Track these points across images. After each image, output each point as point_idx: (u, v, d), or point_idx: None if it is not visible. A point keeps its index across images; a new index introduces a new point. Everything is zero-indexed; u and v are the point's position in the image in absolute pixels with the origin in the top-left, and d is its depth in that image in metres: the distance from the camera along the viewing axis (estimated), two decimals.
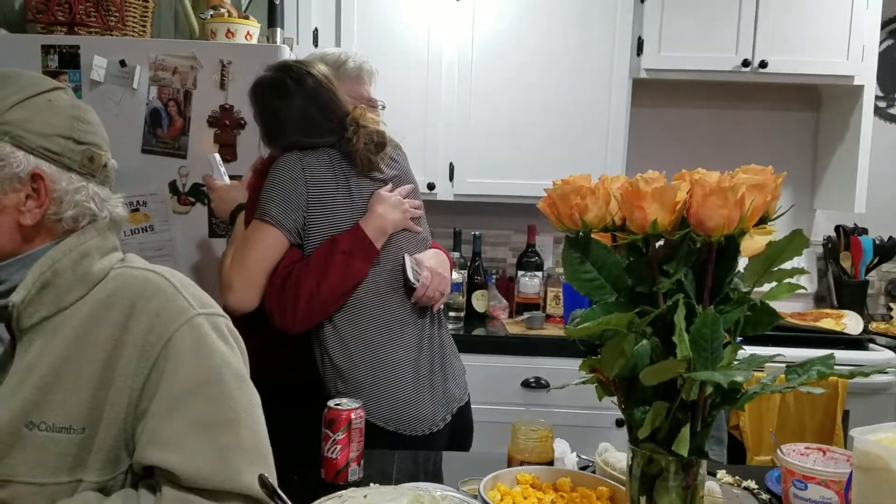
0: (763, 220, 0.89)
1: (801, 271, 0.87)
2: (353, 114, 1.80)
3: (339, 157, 1.79)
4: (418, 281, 1.81)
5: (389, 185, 1.84)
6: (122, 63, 2.26)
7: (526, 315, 2.95)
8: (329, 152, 1.78)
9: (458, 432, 1.89)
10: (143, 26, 2.48)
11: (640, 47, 2.96)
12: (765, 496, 1.40)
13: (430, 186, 3.00)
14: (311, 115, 1.78)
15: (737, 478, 1.46)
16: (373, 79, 2.02)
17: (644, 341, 0.87)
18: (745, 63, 2.92)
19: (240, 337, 1.14)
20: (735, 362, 0.87)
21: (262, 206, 1.74)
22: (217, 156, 2.02)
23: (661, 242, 0.89)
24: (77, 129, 1.06)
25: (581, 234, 0.91)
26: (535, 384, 2.70)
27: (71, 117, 1.06)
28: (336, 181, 1.77)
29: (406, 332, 1.80)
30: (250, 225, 1.76)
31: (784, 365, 0.91)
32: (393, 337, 1.78)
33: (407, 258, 1.83)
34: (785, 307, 3.16)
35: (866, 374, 0.85)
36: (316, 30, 2.89)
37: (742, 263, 0.90)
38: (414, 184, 1.94)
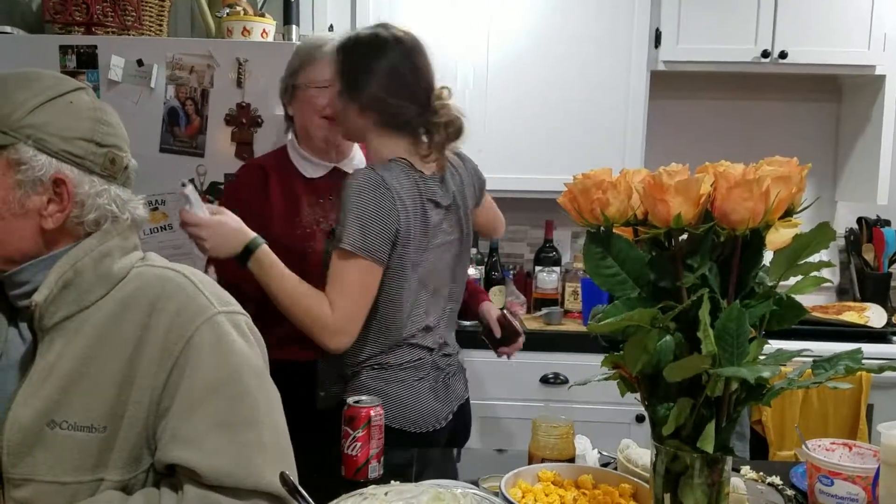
0: (788, 213, 0.87)
1: (827, 264, 0.86)
2: (439, 92, 1.70)
3: (416, 174, 1.66)
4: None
5: None
6: (140, 62, 2.27)
7: (544, 311, 2.94)
8: (406, 170, 1.65)
9: (460, 430, 1.88)
10: (160, 25, 2.49)
11: (657, 39, 2.93)
12: (790, 492, 1.38)
13: None
14: (401, 72, 1.66)
15: (761, 474, 1.44)
16: None
17: (668, 337, 0.86)
18: (765, 54, 2.88)
19: (259, 335, 1.14)
20: (761, 357, 0.85)
21: (356, 237, 1.56)
22: (190, 186, 1.61)
23: (684, 236, 0.88)
24: (99, 131, 1.06)
25: (602, 228, 0.90)
26: (553, 380, 2.69)
27: (93, 119, 1.06)
28: (416, 209, 1.65)
29: (427, 335, 1.77)
30: (347, 259, 1.58)
31: (811, 360, 0.90)
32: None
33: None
34: (807, 300, 3.11)
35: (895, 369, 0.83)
36: (331, 27, 2.88)
37: (766, 257, 0.89)
38: (465, 207, 1.81)
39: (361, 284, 1.59)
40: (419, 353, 1.74)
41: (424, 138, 1.69)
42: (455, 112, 1.69)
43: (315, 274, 1.79)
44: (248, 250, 1.61)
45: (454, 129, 1.69)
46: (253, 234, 1.63)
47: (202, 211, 1.61)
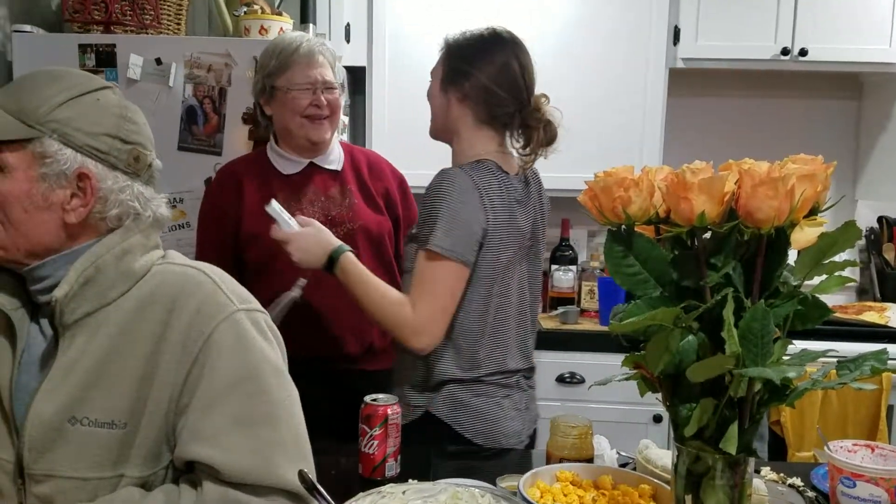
0: (813, 212, 0.86)
1: (852, 263, 0.85)
2: (538, 97, 1.72)
3: (502, 175, 1.67)
4: None
5: None
6: (158, 61, 2.28)
7: (560, 310, 2.92)
8: (493, 171, 1.66)
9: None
10: (178, 24, 2.50)
11: (676, 36, 2.91)
12: (811, 494, 1.36)
13: None
14: (511, 67, 1.67)
15: (781, 475, 1.43)
16: (332, 63, 1.94)
17: (690, 337, 0.85)
18: (785, 51, 2.86)
19: (279, 332, 1.14)
20: (785, 358, 0.84)
21: (441, 237, 1.57)
22: (274, 204, 1.73)
23: (707, 235, 0.87)
24: (124, 128, 1.07)
25: (624, 227, 0.89)
26: (570, 380, 2.68)
27: (118, 117, 1.07)
28: (504, 210, 1.65)
29: (511, 350, 1.75)
30: (432, 260, 1.58)
31: (834, 360, 0.89)
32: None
33: None
34: (827, 300, 3.09)
35: None
36: (348, 25, 2.88)
37: (790, 256, 0.88)
38: (541, 213, 1.81)
39: (446, 286, 1.59)
40: (506, 367, 1.72)
41: (520, 138, 1.70)
42: (551, 117, 1.71)
43: (288, 263, 1.80)
44: (332, 259, 1.66)
45: (550, 134, 1.70)
46: (336, 243, 1.68)
47: (288, 225, 1.71)
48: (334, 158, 2.01)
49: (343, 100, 2.01)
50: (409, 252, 1.70)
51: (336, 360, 1.94)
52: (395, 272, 2.03)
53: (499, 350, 1.70)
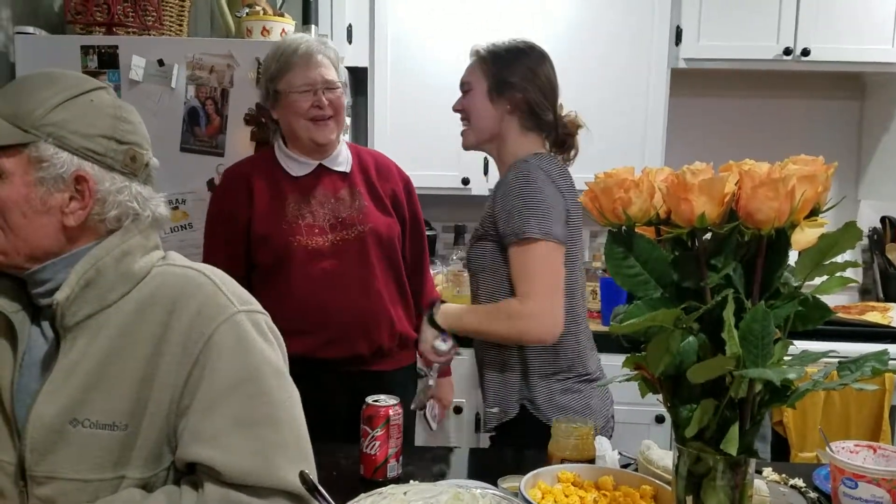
0: (813, 213, 0.86)
1: (853, 264, 0.85)
2: (560, 106, 1.86)
3: (559, 163, 1.80)
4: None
5: None
6: (160, 62, 2.29)
7: None
8: (553, 159, 1.78)
9: None
10: (180, 26, 2.50)
11: (678, 37, 2.91)
12: (813, 495, 1.36)
13: (465, 181, 2.99)
14: (552, 81, 1.82)
15: (783, 476, 1.42)
16: (334, 62, 1.96)
17: (691, 338, 0.85)
18: (787, 51, 2.85)
19: (279, 334, 1.14)
20: (786, 359, 0.84)
21: (536, 224, 1.65)
22: (428, 377, 1.92)
23: (708, 236, 0.87)
24: (119, 128, 1.07)
25: (624, 228, 0.89)
26: None
27: (113, 117, 1.06)
28: (569, 186, 1.76)
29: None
30: (532, 247, 1.65)
31: (836, 360, 0.89)
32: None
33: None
34: (830, 300, 3.08)
35: None
36: (350, 26, 2.89)
37: (791, 257, 0.88)
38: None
39: (551, 267, 1.67)
40: (587, 362, 1.82)
41: (557, 145, 1.84)
42: (583, 122, 1.88)
43: (297, 263, 1.88)
44: (430, 317, 1.84)
45: (575, 142, 1.87)
46: (434, 318, 1.83)
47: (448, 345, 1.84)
48: (343, 160, 2.01)
49: (347, 99, 2.01)
50: (479, 252, 1.80)
51: (345, 361, 1.93)
52: (402, 273, 2.05)
53: (583, 346, 1.81)
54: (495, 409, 1.77)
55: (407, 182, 2.12)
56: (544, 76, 1.80)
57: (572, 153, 1.86)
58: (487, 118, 1.80)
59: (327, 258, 1.91)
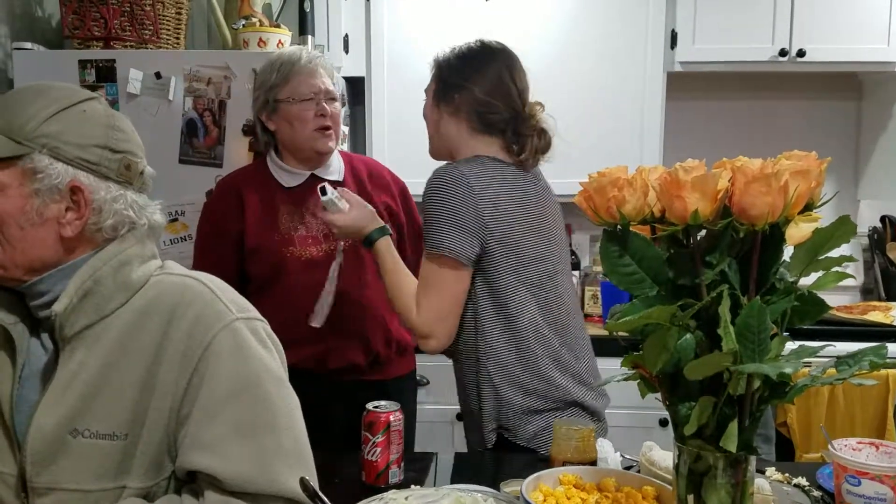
0: (808, 208, 0.86)
1: (849, 259, 0.85)
2: (532, 105, 1.74)
3: (500, 165, 1.67)
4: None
5: None
6: (158, 75, 2.30)
7: None
8: (486, 162, 1.65)
9: None
10: (177, 38, 2.51)
11: (673, 40, 2.91)
12: (816, 493, 1.36)
13: None
14: (503, 79, 1.69)
15: (786, 475, 1.42)
16: (331, 74, 1.97)
17: (688, 335, 0.85)
18: (783, 52, 2.86)
19: (278, 340, 1.15)
20: (783, 354, 0.84)
21: (436, 237, 1.58)
22: (329, 190, 1.76)
23: (702, 233, 0.87)
24: (113, 137, 1.07)
25: (619, 226, 0.89)
26: None
27: (106, 126, 1.07)
28: (507, 191, 1.63)
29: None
30: (431, 261, 1.60)
31: (834, 357, 0.88)
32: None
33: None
34: (832, 300, 3.09)
35: None
36: (346, 36, 2.90)
37: (787, 253, 0.88)
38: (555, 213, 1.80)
39: (441, 282, 1.61)
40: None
41: (514, 146, 1.70)
42: (546, 125, 1.73)
43: (291, 274, 1.89)
44: (370, 240, 1.72)
45: (544, 143, 1.72)
46: (375, 226, 1.73)
47: (335, 207, 1.75)
48: (335, 169, 2.02)
49: (343, 111, 2.01)
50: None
51: (342, 371, 1.94)
52: None
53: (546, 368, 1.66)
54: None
55: (402, 188, 2.12)
56: (494, 74, 1.68)
57: (525, 156, 1.68)
58: (431, 125, 1.76)
59: (321, 268, 1.90)
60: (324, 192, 1.75)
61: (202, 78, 2.30)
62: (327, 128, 1.92)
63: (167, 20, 2.46)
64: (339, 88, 2.00)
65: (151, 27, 2.41)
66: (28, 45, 2.33)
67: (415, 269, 1.98)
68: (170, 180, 2.23)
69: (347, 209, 1.75)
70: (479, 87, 1.67)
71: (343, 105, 2.01)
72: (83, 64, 2.30)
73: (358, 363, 1.95)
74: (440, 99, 1.72)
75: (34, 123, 1.02)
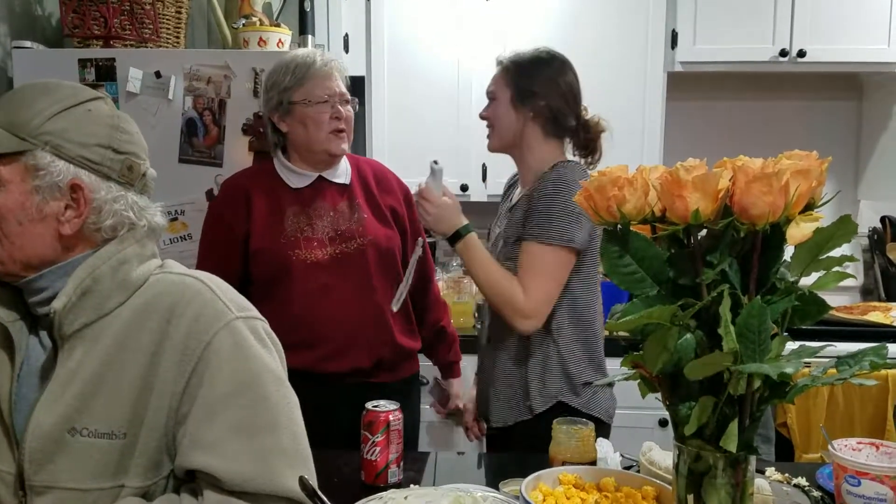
0: (809, 207, 0.86)
1: (850, 258, 0.84)
2: (584, 107, 1.93)
3: (585, 170, 1.87)
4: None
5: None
6: (158, 74, 2.29)
7: None
8: (579, 166, 1.86)
9: None
10: (177, 37, 2.51)
11: (674, 40, 2.91)
12: (816, 493, 1.36)
13: (464, 188, 2.99)
14: (574, 89, 1.89)
15: (786, 475, 1.42)
16: (345, 77, 1.98)
17: (688, 335, 0.85)
18: (783, 53, 2.86)
19: (277, 340, 1.14)
20: (784, 354, 0.84)
21: (559, 228, 1.74)
22: (440, 165, 1.86)
23: (703, 232, 0.86)
24: (116, 138, 1.07)
25: (619, 226, 0.89)
26: None
27: (110, 127, 1.07)
28: None
29: None
30: (547, 250, 1.75)
31: (834, 357, 0.88)
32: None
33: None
34: (832, 301, 3.08)
35: None
36: (346, 36, 2.90)
37: (787, 253, 0.87)
38: None
39: (559, 274, 1.79)
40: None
41: (582, 150, 1.92)
42: (607, 126, 1.94)
43: (298, 278, 1.87)
44: (458, 234, 1.82)
45: (598, 146, 1.93)
46: (465, 222, 1.83)
47: (438, 190, 1.84)
48: (342, 171, 2.00)
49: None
50: (514, 251, 1.83)
51: (346, 375, 1.91)
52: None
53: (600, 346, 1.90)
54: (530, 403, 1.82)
55: (406, 193, 2.10)
56: (565, 84, 1.86)
57: (597, 156, 1.92)
58: (511, 126, 1.87)
59: (327, 271, 1.89)
60: (436, 162, 1.84)
61: (202, 77, 2.30)
62: (342, 130, 1.91)
63: (167, 19, 2.46)
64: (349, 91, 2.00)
65: (151, 26, 2.41)
66: (28, 43, 2.33)
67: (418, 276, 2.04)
68: (169, 180, 2.22)
69: (442, 197, 1.84)
70: (556, 96, 1.85)
71: (355, 108, 2.00)
72: (83, 63, 2.29)
73: (362, 367, 1.93)
74: (519, 103, 1.86)
75: (38, 120, 1.02)
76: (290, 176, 1.96)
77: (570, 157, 1.91)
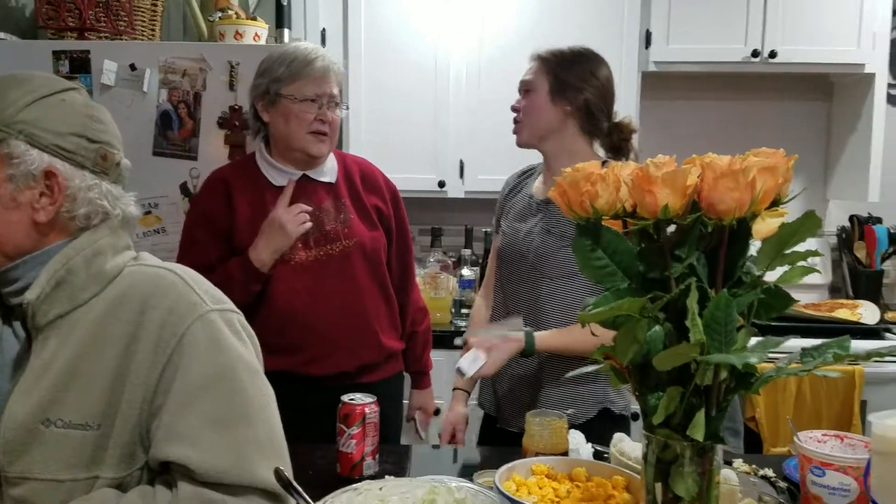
0: (775, 203, 0.88)
1: (814, 254, 0.87)
2: (615, 111, 1.90)
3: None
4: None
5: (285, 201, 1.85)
6: (132, 67, 2.28)
7: None
8: None
9: None
10: (153, 30, 2.49)
11: (648, 40, 2.95)
12: (782, 484, 1.39)
13: (441, 184, 3.01)
14: (611, 87, 1.88)
15: (753, 466, 1.45)
16: (340, 81, 1.94)
17: (657, 327, 0.87)
18: (755, 53, 2.90)
19: (252, 332, 1.15)
20: (749, 346, 0.86)
21: None
22: (463, 364, 1.78)
23: (672, 228, 0.88)
24: (90, 127, 1.07)
25: (592, 220, 0.91)
26: None
27: (84, 116, 1.07)
28: None
29: None
30: None
31: (799, 349, 0.91)
32: None
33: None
34: (800, 298, 3.14)
35: (883, 355, 0.84)
36: (324, 30, 2.90)
37: (754, 248, 0.90)
38: None
39: None
40: None
41: (614, 150, 1.88)
42: (636, 127, 1.91)
43: (278, 278, 1.85)
44: (530, 348, 1.77)
45: (630, 146, 1.90)
46: (520, 338, 1.76)
47: (477, 365, 1.75)
48: (328, 170, 1.96)
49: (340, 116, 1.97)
50: (566, 257, 1.80)
51: (330, 378, 1.88)
52: (388, 287, 2.01)
53: None
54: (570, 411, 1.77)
55: (394, 193, 2.07)
56: (604, 79, 1.85)
57: (630, 157, 1.88)
58: (547, 118, 1.84)
59: (310, 274, 1.87)
60: (461, 372, 1.77)
61: (177, 70, 2.29)
62: (324, 133, 1.87)
63: (142, 11, 2.44)
64: (344, 96, 1.96)
65: (126, 18, 2.39)
66: (1, 35, 2.31)
67: (398, 270, 2.05)
68: (143, 173, 2.22)
69: (485, 359, 1.76)
70: (594, 91, 1.83)
71: (341, 115, 1.96)
72: (57, 55, 2.28)
73: (346, 370, 1.91)
74: (558, 97, 1.83)
75: (13, 110, 1.02)
76: (272, 173, 1.92)
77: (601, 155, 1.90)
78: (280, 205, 1.83)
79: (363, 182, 2.01)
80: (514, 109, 1.90)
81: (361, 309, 1.92)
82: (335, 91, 1.89)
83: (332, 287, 1.88)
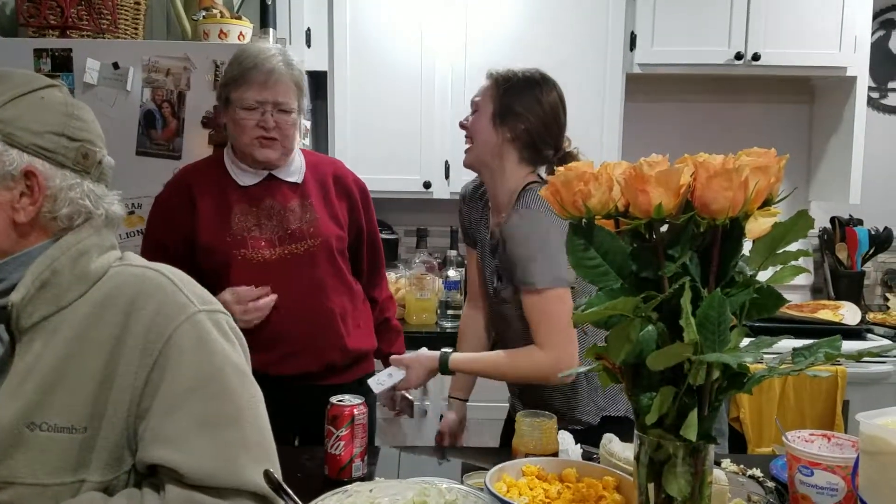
0: (767, 203, 0.89)
1: (805, 253, 0.87)
2: (566, 138, 1.85)
3: None
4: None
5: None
6: (115, 65, 2.26)
7: None
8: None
9: None
10: (136, 28, 2.47)
11: (632, 42, 2.96)
12: (770, 483, 1.40)
13: (427, 185, 3.00)
14: (557, 113, 1.80)
15: (741, 466, 1.45)
16: (297, 86, 1.87)
17: (650, 326, 0.87)
18: (738, 56, 2.93)
19: (241, 333, 1.13)
20: (741, 346, 0.86)
21: (543, 272, 1.65)
22: (373, 382, 1.84)
23: (665, 227, 0.88)
24: (70, 125, 1.05)
25: (585, 220, 0.90)
26: None
27: (64, 114, 1.05)
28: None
29: None
30: (545, 297, 1.66)
31: (790, 349, 0.91)
32: None
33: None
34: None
35: (874, 355, 0.84)
36: (308, 30, 2.89)
37: (746, 248, 0.90)
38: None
39: (564, 311, 1.66)
40: None
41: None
42: (584, 157, 1.80)
43: (243, 276, 1.82)
44: (444, 364, 1.79)
45: None
46: (437, 358, 1.79)
47: (392, 381, 1.83)
48: (294, 170, 1.93)
49: (301, 118, 1.92)
50: (508, 292, 1.78)
51: (294, 378, 1.87)
52: (352, 286, 1.99)
53: None
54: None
55: (363, 191, 2.06)
56: (550, 108, 1.78)
57: None
58: (488, 142, 1.79)
59: (274, 273, 1.84)
60: (370, 388, 1.82)
61: (161, 69, 2.27)
62: (270, 138, 1.82)
63: (125, 9, 2.42)
64: (301, 101, 1.91)
65: (109, 16, 2.37)
66: None
67: (368, 269, 2.04)
68: (127, 172, 2.18)
69: (405, 374, 1.82)
70: (538, 120, 1.76)
71: (300, 113, 1.91)
72: (38, 53, 2.25)
73: (311, 371, 1.89)
74: (500, 122, 1.77)
75: None
76: (238, 173, 1.90)
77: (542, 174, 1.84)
78: (230, 293, 1.80)
79: (334, 182, 1.99)
80: (461, 126, 1.86)
81: (326, 309, 1.90)
82: (283, 97, 1.83)
83: (295, 287, 1.86)
